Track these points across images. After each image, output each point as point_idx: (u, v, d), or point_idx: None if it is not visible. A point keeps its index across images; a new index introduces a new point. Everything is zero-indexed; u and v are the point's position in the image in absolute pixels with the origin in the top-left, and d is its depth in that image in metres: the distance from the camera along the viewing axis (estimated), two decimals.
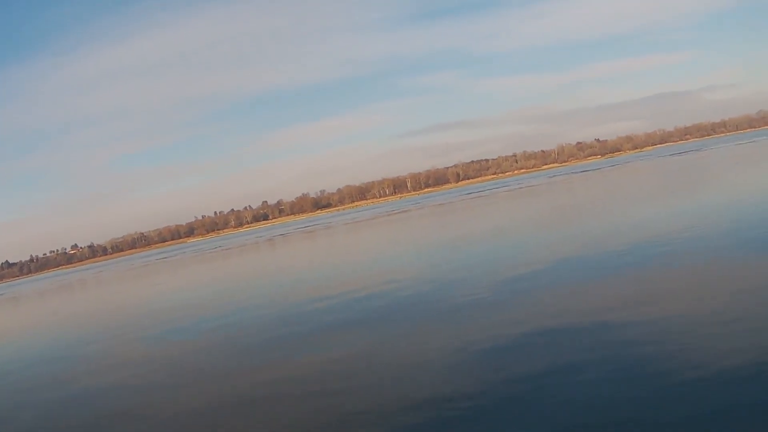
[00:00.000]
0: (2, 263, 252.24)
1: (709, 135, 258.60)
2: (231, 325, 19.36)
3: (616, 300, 12.90)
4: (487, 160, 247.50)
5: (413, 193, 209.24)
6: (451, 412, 8.58)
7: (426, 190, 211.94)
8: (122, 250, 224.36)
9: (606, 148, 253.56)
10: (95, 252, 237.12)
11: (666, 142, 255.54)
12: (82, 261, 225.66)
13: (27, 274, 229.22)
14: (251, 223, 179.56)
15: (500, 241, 29.76)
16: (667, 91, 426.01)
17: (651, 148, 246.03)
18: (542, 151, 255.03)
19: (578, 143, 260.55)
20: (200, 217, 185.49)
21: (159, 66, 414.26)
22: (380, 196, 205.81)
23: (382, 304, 17.65)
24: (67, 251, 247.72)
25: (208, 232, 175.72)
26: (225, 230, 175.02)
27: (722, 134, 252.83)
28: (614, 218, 30.16)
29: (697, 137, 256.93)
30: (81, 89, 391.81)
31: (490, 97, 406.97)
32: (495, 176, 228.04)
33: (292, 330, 16.43)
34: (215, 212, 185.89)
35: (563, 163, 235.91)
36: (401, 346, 12.74)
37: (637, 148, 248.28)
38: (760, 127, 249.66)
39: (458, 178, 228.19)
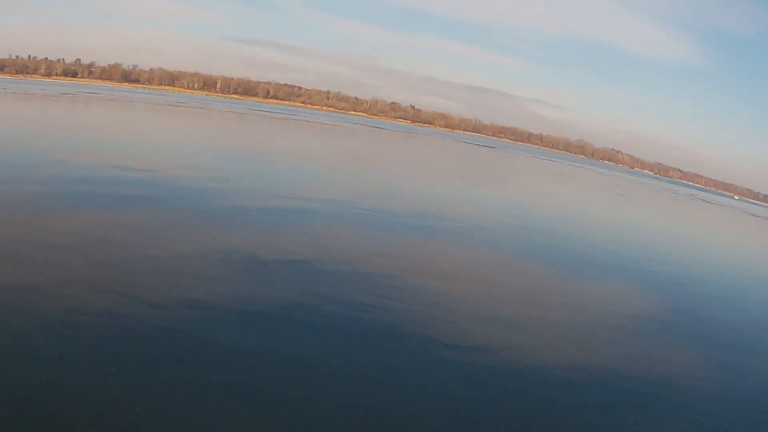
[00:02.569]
0: None
1: (521, 142, 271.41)
2: None
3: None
4: (300, 88, 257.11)
5: (221, 94, 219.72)
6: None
7: (233, 95, 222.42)
8: None
9: (418, 117, 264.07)
10: None
11: (478, 132, 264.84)
12: None
13: None
14: (60, 76, 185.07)
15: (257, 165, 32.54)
16: (494, 89, 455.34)
17: (461, 132, 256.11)
18: (356, 98, 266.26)
19: (393, 103, 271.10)
20: (13, 57, 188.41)
21: None
22: (188, 88, 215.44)
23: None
24: None
25: (17, 73, 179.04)
26: (33, 76, 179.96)
27: (535, 145, 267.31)
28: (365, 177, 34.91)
29: (510, 139, 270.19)
30: None
31: (324, 32, 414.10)
32: (303, 105, 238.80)
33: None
34: (29, 56, 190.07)
35: (372, 116, 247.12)
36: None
37: (448, 128, 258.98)
38: (574, 153, 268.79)
39: (267, 95, 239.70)
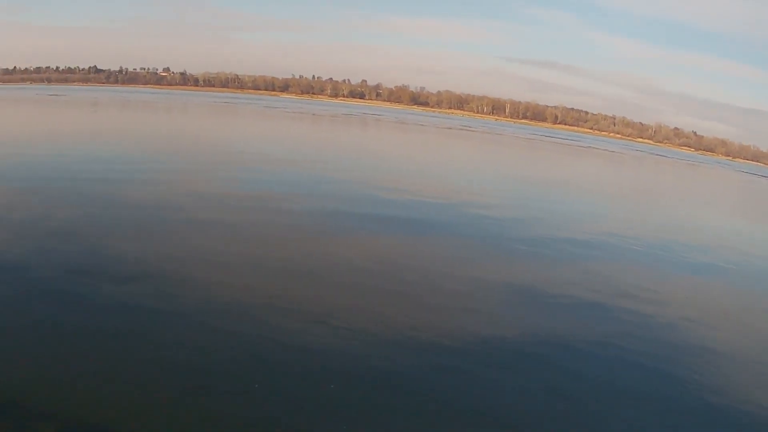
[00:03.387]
0: (90, 67, 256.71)
1: None
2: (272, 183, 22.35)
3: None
4: (586, 113, 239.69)
5: (509, 119, 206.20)
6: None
7: (522, 120, 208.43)
8: (213, 86, 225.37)
9: (700, 144, 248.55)
10: (186, 80, 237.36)
11: (757, 161, 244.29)
12: (171, 85, 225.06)
13: (113, 83, 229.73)
14: (346, 97, 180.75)
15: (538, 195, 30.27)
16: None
17: (742, 161, 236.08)
18: (641, 123, 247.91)
19: (675, 129, 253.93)
20: (297, 77, 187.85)
21: None
22: (477, 112, 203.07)
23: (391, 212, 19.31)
24: (158, 72, 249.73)
25: (302, 93, 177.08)
26: (319, 96, 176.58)
27: None
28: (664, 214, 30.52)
29: None
30: None
31: (598, 51, 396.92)
32: (590, 131, 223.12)
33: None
34: (313, 76, 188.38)
35: (657, 143, 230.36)
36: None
37: (729, 156, 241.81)
38: None
39: (555, 120, 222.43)
